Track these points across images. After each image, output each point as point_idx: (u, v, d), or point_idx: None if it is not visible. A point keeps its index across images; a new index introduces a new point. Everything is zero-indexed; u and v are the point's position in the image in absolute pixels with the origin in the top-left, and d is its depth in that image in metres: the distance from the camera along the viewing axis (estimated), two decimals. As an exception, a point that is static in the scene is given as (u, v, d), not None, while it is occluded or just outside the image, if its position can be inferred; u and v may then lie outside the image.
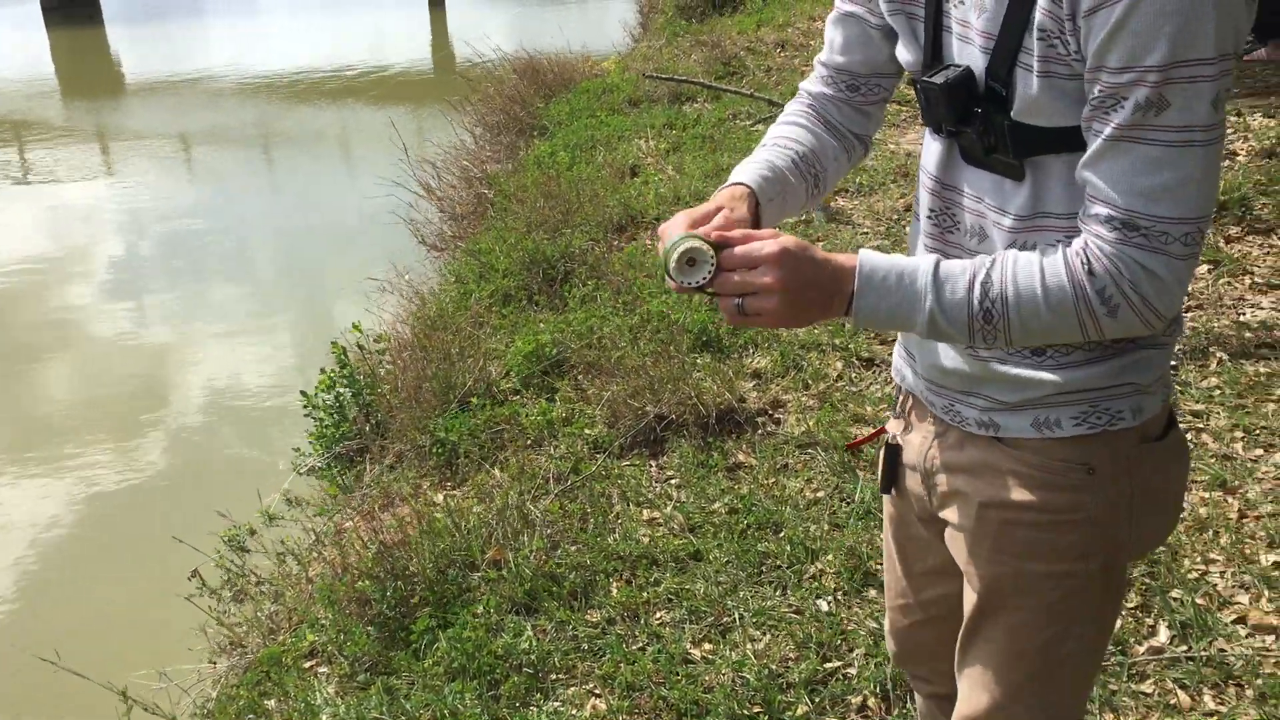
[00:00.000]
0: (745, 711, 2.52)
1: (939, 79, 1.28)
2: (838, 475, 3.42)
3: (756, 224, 1.40)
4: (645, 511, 3.41)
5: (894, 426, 1.59)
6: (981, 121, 1.27)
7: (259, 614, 3.59)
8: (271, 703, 3.02)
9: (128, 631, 4.16)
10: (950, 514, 1.46)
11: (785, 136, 1.53)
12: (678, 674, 2.67)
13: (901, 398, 1.57)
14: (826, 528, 3.18)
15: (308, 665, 3.13)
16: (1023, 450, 1.36)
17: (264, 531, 4.31)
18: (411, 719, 2.62)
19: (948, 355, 1.40)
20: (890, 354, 4.04)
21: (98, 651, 3.89)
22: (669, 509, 3.39)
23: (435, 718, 2.62)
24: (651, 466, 3.68)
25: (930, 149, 1.40)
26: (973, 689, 1.48)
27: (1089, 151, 1.18)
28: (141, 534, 4.90)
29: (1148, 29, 1.09)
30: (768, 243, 1.24)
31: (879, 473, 1.61)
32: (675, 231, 1.30)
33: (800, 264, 1.23)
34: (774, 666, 2.67)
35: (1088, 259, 1.19)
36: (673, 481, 3.57)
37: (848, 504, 3.28)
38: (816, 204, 1.57)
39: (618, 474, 3.63)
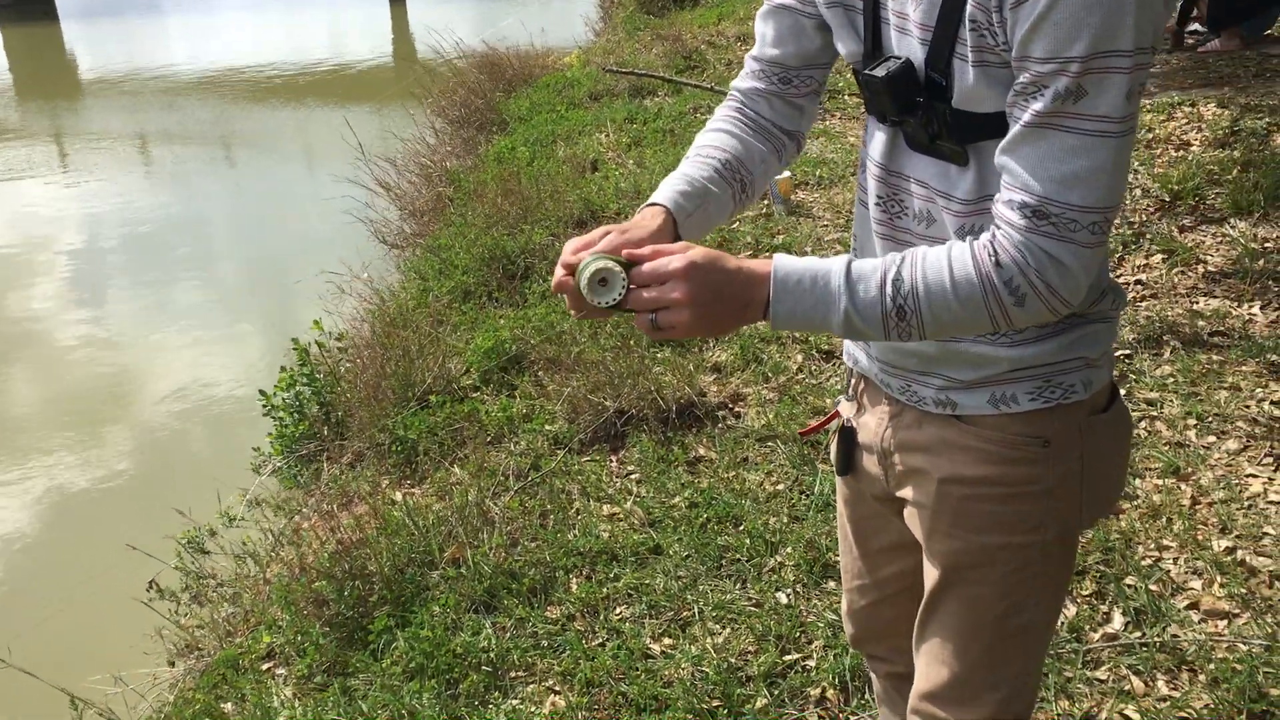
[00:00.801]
0: (705, 705, 2.52)
1: (880, 71, 1.30)
2: (797, 468, 3.42)
3: (676, 240, 1.41)
4: (605, 507, 3.40)
5: (846, 410, 1.61)
6: (924, 111, 1.29)
7: (216, 616, 3.55)
8: (229, 706, 2.98)
9: (82, 636, 4.10)
10: (909, 492, 1.48)
11: (709, 145, 1.52)
12: (637, 669, 2.67)
13: (854, 381, 1.59)
14: (786, 520, 3.18)
15: (265, 667, 3.10)
16: (980, 427, 1.39)
17: (224, 533, 4.27)
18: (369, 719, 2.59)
19: None
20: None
21: (51, 656, 3.83)
22: (629, 504, 3.38)
23: (393, 718, 2.60)
24: (612, 462, 3.67)
25: (875, 137, 1.41)
26: (931, 664, 1.50)
27: (1008, 137, 1.20)
28: (100, 537, 4.83)
29: (1071, 21, 1.12)
30: (675, 258, 1.26)
31: (834, 456, 1.63)
32: (583, 254, 1.32)
33: (709, 276, 1.25)
34: (733, 660, 2.67)
35: (994, 250, 1.21)
36: (633, 476, 3.57)
37: (807, 497, 3.29)
38: (744, 208, 1.58)
39: (578, 470, 3.62)
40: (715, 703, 2.54)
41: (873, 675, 1.88)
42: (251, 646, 3.19)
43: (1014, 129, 1.19)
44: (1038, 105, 1.16)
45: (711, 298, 1.25)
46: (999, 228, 1.21)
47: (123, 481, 5.49)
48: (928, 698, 1.50)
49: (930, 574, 1.47)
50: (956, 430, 1.41)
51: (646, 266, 1.27)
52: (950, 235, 1.32)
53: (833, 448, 1.63)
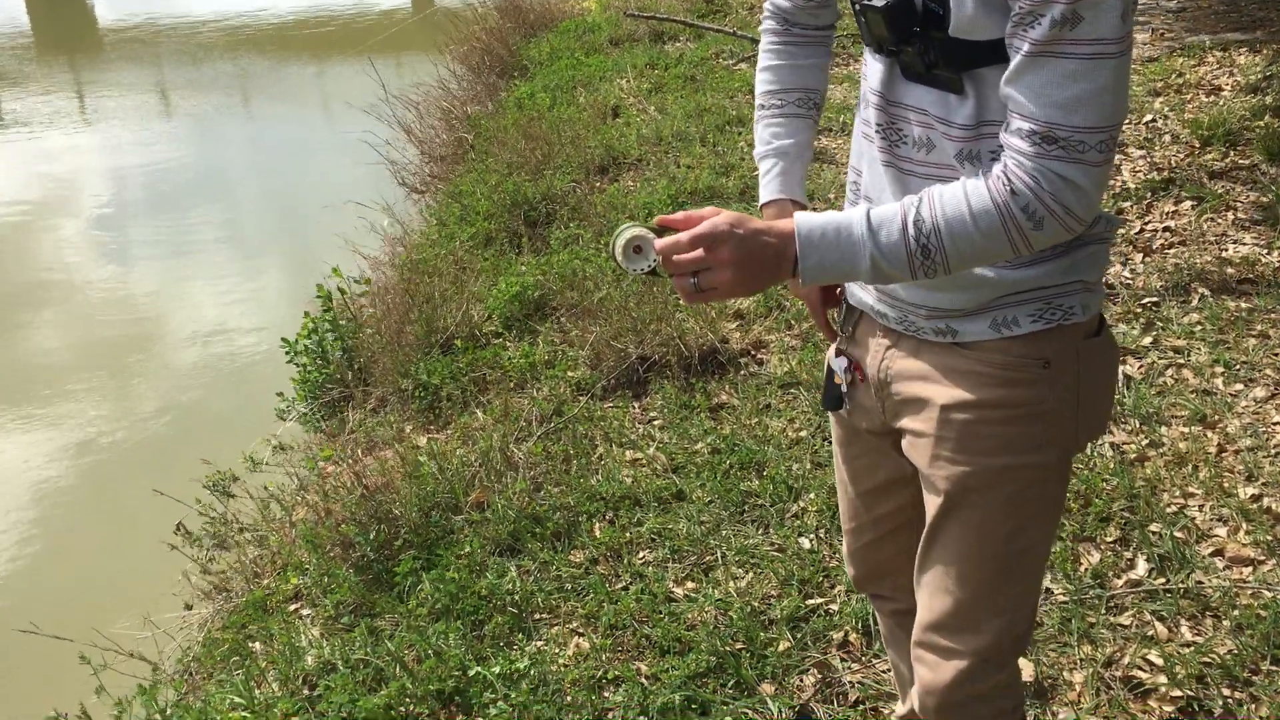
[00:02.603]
0: (728, 648, 2.53)
1: (879, 2, 1.33)
2: (820, 415, 3.42)
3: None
4: (628, 452, 3.41)
5: (838, 344, 1.63)
6: (921, 40, 1.32)
7: (243, 559, 3.59)
8: (257, 646, 3.02)
9: (112, 581, 4.16)
10: (909, 421, 1.50)
11: (769, 92, 1.66)
12: (660, 612, 2.68)
13: (844, 314, 1.61)
14: (809, 467, 3.19)
15: (292, 608, 3.14)
16: (981, 351, 1.42)
17: (248, 478, 4.30)
18: (396, 659, 2.62)
19: None
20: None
21: (82, 602, 3.89)
22: (652, 450, 3.39)
23: (419, 658, 2.63)
24: (634, 408, 3.68)
25: (873, 68, 1.45)
26: (934, 594, 1.52)
27: (1010, 67, 1.23)
28: (126, 482, 4.89)
29: None
30: (715, 220, 1.31)
31: (823, 391, 1.65)
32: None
33: (745, 236, 1.30)
34: (756, 604, 2.68)
35: (1008, 179, 1.25)
36: (655, 422, 3.57)
37: (830, 444, 3.28)
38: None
39: (601, 415, 3.63)
40: (738, 645, 2.55)
41: (878, 616, 1.91)
42: (279, 588, 3.23)
43: (1015, 59, 1.22)
44: (1035, 34, 1.19)
45: (748, 256, 1.30)
46: (1010, 157, 1.25)
47: (148, 429, 5.53)
48: (932, 628, 1.53)
49: (932, 502, 1.49)
50: (957, 356, 1.43)
51: (684, 233, 1.31)
52: (950, 161, 1.35)
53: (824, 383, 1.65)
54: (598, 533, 3.03)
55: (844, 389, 1.61)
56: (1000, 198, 1.24)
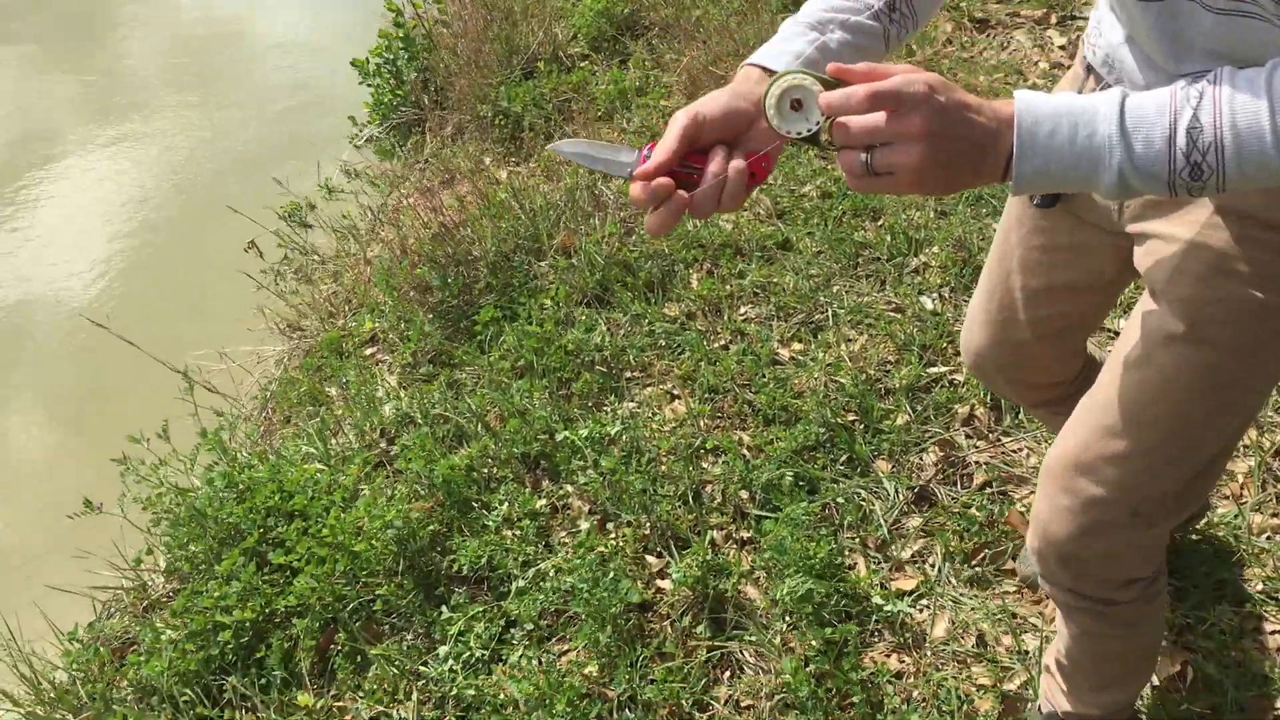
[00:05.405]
0: (839, 419, 2.30)
1: None
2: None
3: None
4: (728, 194, 3.09)
5: None
6: None
7: (317, 297, 3.41)
8: (333, 390, 2.87)
9: (187, 309, 4.03)
10: (1156, 224, 1.18)
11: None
12: (764, 376, 2.44)
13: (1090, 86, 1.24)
14: (931, 215, 2.85)
15: (368, 353, 2.96)
16: None
17: (322, 207, 4.08)
18: (478, 416, 2.44)
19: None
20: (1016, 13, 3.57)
21: (158, 328, 3.77)
22: (755, 191, 3.06)
23: (502, 417, 2.44)
24: (735, 143, 3.32)
25: None
26: (1097, 431, 1.24)
27: None
28: (202, 207, 4.70)
29: None
30: (910, 76, 0.91)
31: None
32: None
33: (948, 105, 0.91)
34: (871, 370, 2.42)
35: None
36: (759, 160, 3.23)
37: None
38: (902, 43, 1.17)
39: (698, 151, 3.29)
40: (851, 417, 2.32)
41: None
42: (354, 330, 3.05)
43: None
44: None
45: (951, 134, 0.92)
46: None
47: (220, 149, 5.29)
48: (1079, 469, 1.25)
49: (1154, 325, 1.18)
50: None
51: (864, 87, 0.92)
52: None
53: None
54: (695, 284, 2.77)
55: None
56: None
